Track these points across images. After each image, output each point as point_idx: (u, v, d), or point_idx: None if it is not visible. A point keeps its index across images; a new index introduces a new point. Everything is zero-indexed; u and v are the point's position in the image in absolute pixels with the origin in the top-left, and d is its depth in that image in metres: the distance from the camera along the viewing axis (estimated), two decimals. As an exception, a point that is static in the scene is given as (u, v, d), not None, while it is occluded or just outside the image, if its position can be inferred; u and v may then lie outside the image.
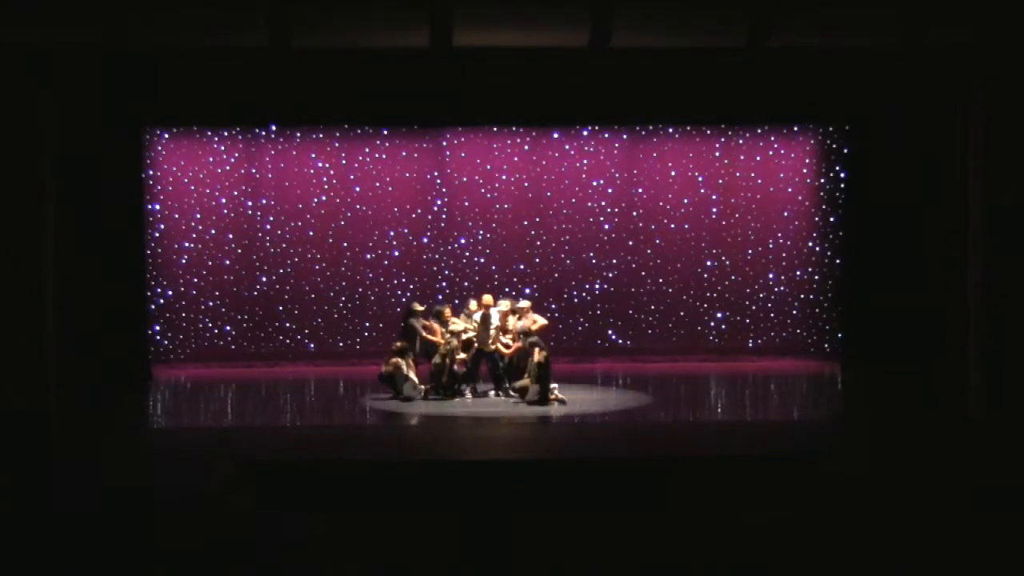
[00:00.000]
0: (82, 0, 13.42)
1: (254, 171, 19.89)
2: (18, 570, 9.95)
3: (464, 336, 16.04)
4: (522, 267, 20.18)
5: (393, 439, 14.50)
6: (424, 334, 16.16)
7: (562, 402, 15.55)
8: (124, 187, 17.62)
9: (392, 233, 20.08)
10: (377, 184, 20.02)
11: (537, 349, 15.54)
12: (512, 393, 15.83)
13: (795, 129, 20.07)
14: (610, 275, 20.30)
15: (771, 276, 20.31)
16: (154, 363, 18.87)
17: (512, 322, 16.11)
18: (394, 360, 15.92)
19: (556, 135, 20.17)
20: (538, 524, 12.23)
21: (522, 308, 16.28)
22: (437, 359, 15.98)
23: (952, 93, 15.36)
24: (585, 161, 20.24)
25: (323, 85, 16.25)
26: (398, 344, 16.16)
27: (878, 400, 16.71)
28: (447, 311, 16.37)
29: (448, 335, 16.06)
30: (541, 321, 16.25)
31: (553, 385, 15.65)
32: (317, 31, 13.96)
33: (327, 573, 10.50)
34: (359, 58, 14.84)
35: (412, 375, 15.98)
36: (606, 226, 20.28)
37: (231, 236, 19.89)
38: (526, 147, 20.17)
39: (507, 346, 16.06)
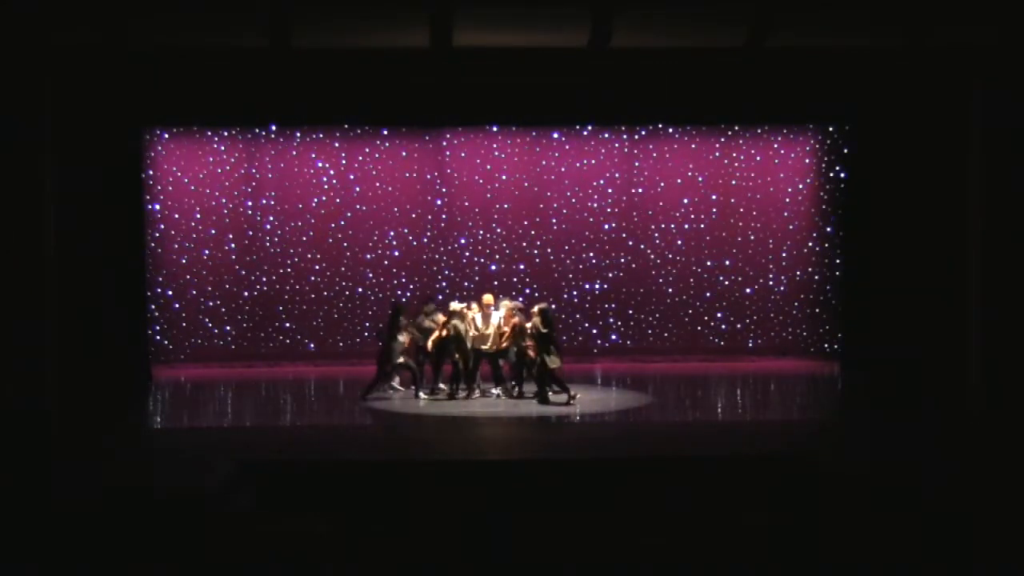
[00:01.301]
0: (82, 0, 13.41)
1: (254, 171, 19.89)
2: (19, 570, 9.95)
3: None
4: (522, 267, 20.18)
5: (393, 439, 14.50)
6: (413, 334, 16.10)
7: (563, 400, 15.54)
8: (124, 187, 17.61)
9: (392, 233, 20.09)
10: (377, 184, 20.02)
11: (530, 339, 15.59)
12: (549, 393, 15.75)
13: (795, 129, 20.08)
14: (610, 275, 20.30)
15: (771, 276, 20.31)
16: (154, 363, 18.87)
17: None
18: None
19: (556, 135, 20.18)
20: (538, 524, 12.22)
21: (513, 306, 16.19)
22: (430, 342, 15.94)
23: (952, 93, 15.36)
24: (585, 161, 20.25)
25: (323, 85, 16.24)
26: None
27: (878, 400, 16.71)
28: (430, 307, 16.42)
29: (448, 320, 15.90)
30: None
31: (576, 395, 15.64)
32: (317, 31, 13.95)
33: (327, 573, 10.50)
34: (359, 58, 14.83)
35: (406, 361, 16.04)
36: (606, 226, 20.29)
37: (231, 236, 19.90)
38: (526, 147, 20.18)
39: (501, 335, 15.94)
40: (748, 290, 20.31)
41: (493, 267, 20.15)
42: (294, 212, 19.93)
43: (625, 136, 20.17)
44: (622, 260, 20.30)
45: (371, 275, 20.08)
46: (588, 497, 12.62)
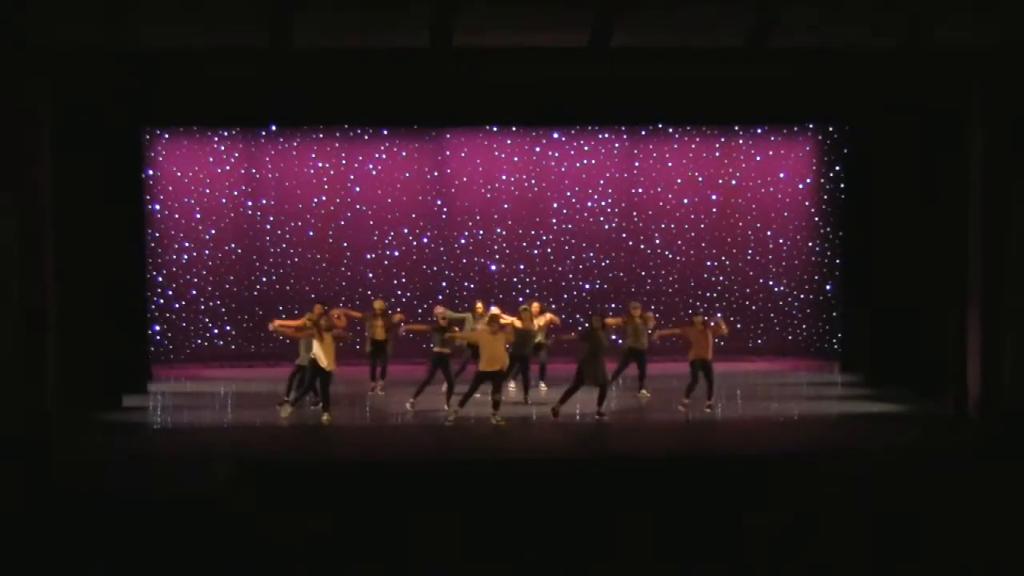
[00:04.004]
0: (82, 0, 13.40)
1: (254, 171, 19.89)
2: (19, 569, 9.95)
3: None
4: (522, 267, 20.18)
5: (393, 439, 14.51)
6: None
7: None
8: (124, 187, 17.59)
9: (392, 233, 20.08)
10: (377, 184, 20.02)
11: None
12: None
13: (795, 129, 20.08)
14: (610, 275, 20.30)
15: (771, 276, 20.31)
16: (154, 363, 18.87)
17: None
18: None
19: (556, 135, 20.17)
20: (537, 523, 12.20)
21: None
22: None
23: (952, 94, 15.35)
24: (585, 161, 20.24)
25: (323, 85, 16.21)
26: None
27: (878, 399, 16.71)
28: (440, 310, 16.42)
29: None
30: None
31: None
32: (317, 31, 13.94)
33: (327, 573, 10.49)
34: (359, 58, 14.80)
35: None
36: (606, 226, 20.29)
37: (231, 236, 19.90)
38: (526, 147, 20.18)
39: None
40: (748, 290, 20.31)
41: (493, 267, 20.15)
42: (294, 212, 19.93)
43: (625, 136, 20.17)
44: (622, 260, 20.30)
45: (371, 275, 20.08)
46: (588, 497, 12.62)
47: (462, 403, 15.04)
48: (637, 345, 16.35)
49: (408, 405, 15.70)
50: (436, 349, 15.68)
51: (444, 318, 15.84)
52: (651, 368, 17.40)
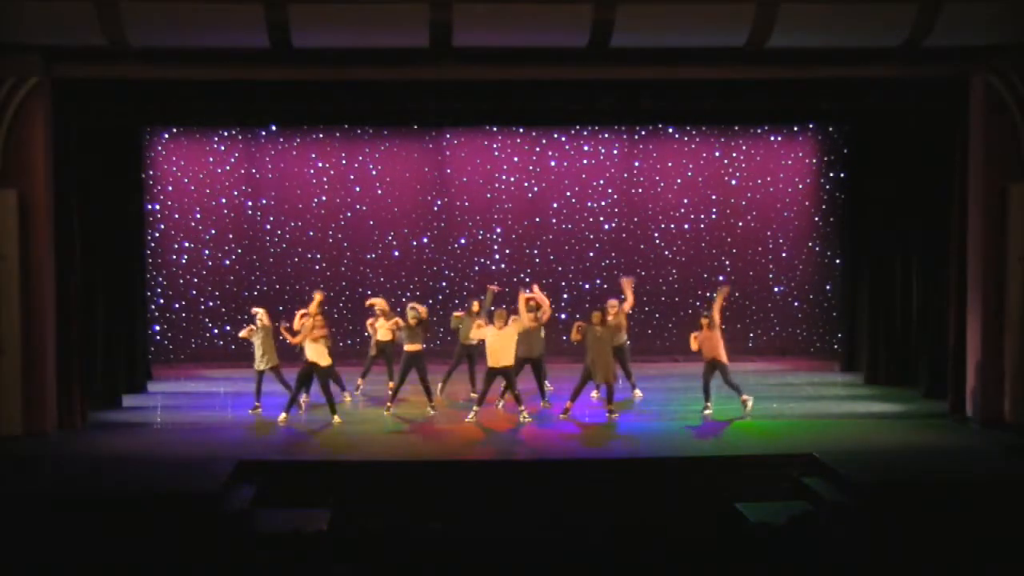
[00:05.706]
0: (82, 0, 13.40)
1: (254, 171, 19.89)
2: (20, 569, 9.95)
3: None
4: (522, 267, 20.15)
5: (391, 439, 14.50)
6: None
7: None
8: (124, 187, 17.60)
9: (392, 233, 20.08)
10: (377, 184, 20.01)
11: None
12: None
13: (795, 129, 20.07)
14: (610, 275, 20.27)
15: (771, 276, 20.30)
16: (154, 363, 18.87)
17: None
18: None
19: (556, 135, 20.17)
20: (537, 524, 12.20)
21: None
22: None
23: (952, 94, 15.35)
24: (585, 161, 20.24)
25: (323, 85, 16.22)
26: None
27: (878, 399, 16.71)
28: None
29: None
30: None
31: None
32: (317, 31, 13.94)
33: (327, 573, 10.48)
34: (359, 58, 14.81)
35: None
36: (606, 226, 20.28)
37: (231, 236, 19.90)
38: (526, 147, 20.17)
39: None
40: (748, 290, 20.29)
41: (493, 267, 20.14)
42: (294, 212, 19.92)
43: (625, 136, 20.16)
44: (622, 260, 20.28)
45: (371, 275, 20.07)
46: (588, 496, 12.64)
47: (479, 403, 15.20)
48: (613, 343, 16.13)
49: (385, 411, 15.69)
50: (407, 348, 15.58)
51: (416, 317, 15.67)
52: (652, 367, 17.50)
